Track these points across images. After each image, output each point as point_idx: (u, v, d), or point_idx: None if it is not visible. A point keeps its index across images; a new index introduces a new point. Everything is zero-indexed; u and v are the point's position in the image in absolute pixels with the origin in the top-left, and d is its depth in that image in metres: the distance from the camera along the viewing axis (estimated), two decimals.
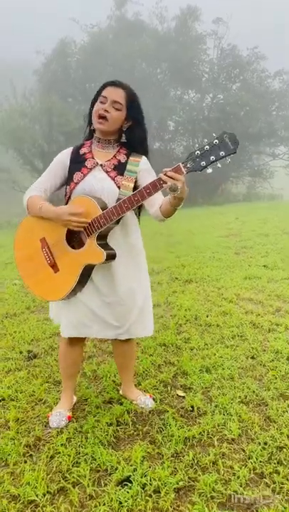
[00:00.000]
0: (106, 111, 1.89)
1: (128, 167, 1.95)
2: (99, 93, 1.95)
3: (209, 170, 1.68)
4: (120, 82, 1.96)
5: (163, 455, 1.89)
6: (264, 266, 5.21)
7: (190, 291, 4.35)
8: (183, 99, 19.92)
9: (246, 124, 17.17)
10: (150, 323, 2.17)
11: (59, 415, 2.17)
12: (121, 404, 2.30)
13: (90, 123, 2.03)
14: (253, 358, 2.81)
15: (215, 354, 2.85)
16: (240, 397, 2.32)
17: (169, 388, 2.47)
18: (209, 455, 1.87)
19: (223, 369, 2.64)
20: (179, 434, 2.00)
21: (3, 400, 2.43)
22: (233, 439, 1.98)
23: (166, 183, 1.68)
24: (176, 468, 1.80)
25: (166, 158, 19.60)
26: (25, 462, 1.90)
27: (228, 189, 22.24)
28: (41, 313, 3.98)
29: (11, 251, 8.36)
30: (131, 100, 1.95)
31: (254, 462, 1.82)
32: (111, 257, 1.88)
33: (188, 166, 1.67)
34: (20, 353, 3.07)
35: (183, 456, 1.88)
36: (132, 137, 2.03)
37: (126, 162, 1.97)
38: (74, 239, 1.96)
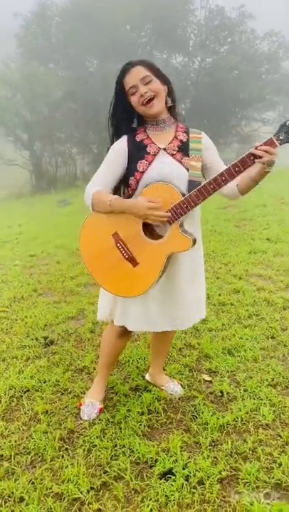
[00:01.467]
0: (146, 92, 1.74)
1: (191, 145, 1.83)
2: (121, 90, 1.81)
3: None
4: (129, 63, 1.79)
5: (201, 444, 1.89)
6: (267, 239, 5.18)
7: None
8: (169, 63, 19.31)
9: (236, 89, 16.79)
10: (204, 306, 2.13)
11: (91, 406, 2.15)
12: (149, 391, 2.29)
13: (119, 125, 1.89)
14: (273, 337, 2.81)
15: (234, 335, 2.84)
16: (267, 380, 2.33)
17: (194, 373, 2.46)
18: (247, 442, 1.88)
19: (246, 350, 2.64)
20: (214, 422, 2.00)
21: (28, 391, 2.40)
22: (267, 425, 1.99)
23: (258, 158, 1.59)
24: (216, 458, 1.81)
25: None
26: (63, 457, 1.88)
27: None
28: (49, 296, 3.93)
29: (5, 228, 8.17)
30: (152, 68, 1.79)
31: None
32: (194, 241, 1.75)
33: (281, 138, 1.57)
34: (36, 339, 3.03)
35: (221, 445, 1.88)
36: (173, 101, 1.87)
37: (188, 141, 1.84)
38: (145, 229, 1.82)
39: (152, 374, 2.39)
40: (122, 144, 1.85)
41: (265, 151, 1.57)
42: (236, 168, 1.61)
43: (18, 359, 2.76)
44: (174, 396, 2.24)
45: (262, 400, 2.16)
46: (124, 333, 2.07)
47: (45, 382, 2.47)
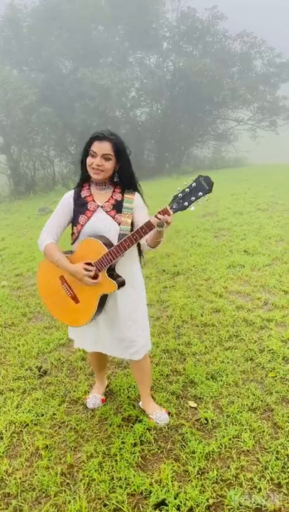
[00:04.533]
0: (98, 165, 2.15)
1: (124, 204, 2.23)
2: (88, 145, 2.18)
3: (192, 208, 1.97)
4: (104, 135, 2.16)
5: (189, 473, 2.11)
6: (245, 251, 5.43)
7: (180, 285, 4.54)
8: (143, 65, 19.38)
9: (210, 89, 16.97)
10: (132, 349, 2.42)
11: (94, 398, 2.73)
12: (140, 421, 2.49)
13: (83, 169, 2.28)
14: (251, 359, 3.05)
15: (216, 358, 3.07)
16: (247, 404, 2.56)
17: (181, 400, 2.68)
18: (230, 469, 2.10)
19: (227, 375, 2.86)
20: (200, 450, 2.22)
21: (27, 425, 2.58)
22: (248, 451, 2.22)
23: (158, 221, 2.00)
24: (203, 486, 2.03)
25: (129, 125, 19.34)
26: (65, 492, 2.07)
27: (193, 154, 22.27)
28: (39, 321, 4.09)
29: None
30: (117, 149, 2.19)
31: (271, 473, 2.06)
32: (121, 284, 2.17)
33: (173, 207, 1.99)
34: (30, 369, 3.19)
35: (207, 473, 2.10)
36: (123, 176, 2.28)
37: (122, 200, 2.25)
38: None
39: (143, 402, 2.61)
40: (69, 199, 2.29)
41: (159, 219, 1.98)
42: (143, 230, 2.03)
43: (15, 391, 2.93)
44: (160, 425, 2.45)
45: (243, 425, 2.39)
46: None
47: (42, 416, 2.64)
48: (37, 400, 2.81)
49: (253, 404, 2.57)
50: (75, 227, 2.26)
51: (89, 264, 2.13)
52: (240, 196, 8.94)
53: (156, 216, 1.99)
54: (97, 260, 2.11)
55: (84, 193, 2.28)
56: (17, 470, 2.24)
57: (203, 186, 1.93)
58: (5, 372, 3.19)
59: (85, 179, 2.31)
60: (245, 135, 20.73)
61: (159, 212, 1.99)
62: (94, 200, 2.25)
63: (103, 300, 2.24)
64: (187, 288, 4.46)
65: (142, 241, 2.21)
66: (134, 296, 2.34)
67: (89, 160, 2.18)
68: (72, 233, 2.29)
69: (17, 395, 2.89)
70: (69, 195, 2.30)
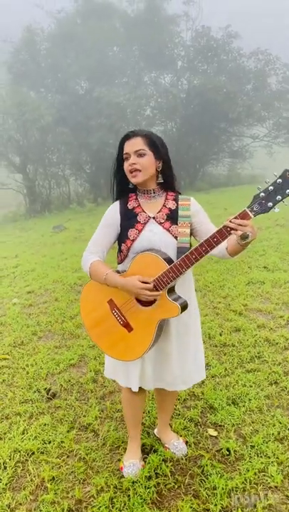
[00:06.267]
0: (133, 163, 1.85)
1: (180, 213, 1.91)
2: (121, 151, 1.90)
3: (276, 209, 1.63)
4: (134, 132, 1.90)
5: None
6: (264, 267, 5.21)
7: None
8: (158, 83, 19.55)
9: (225, 107, 16.98)
10: (203, 367, 2.15)
11: (133, 467, 2.15)
12: (155, 452, 2.27)
13: (118, 183, 1.99)
14: (276, 383, 2.81)
15: (237, 382, 2.84)
16: (273, 434, 2.32)
17: (200, 428, 2.45)
18: (257, 509, 1.87)
19: (250, 400, 2.63)
20: (222, 486, 1.99)
21: (33, 453, 2.38)
22: (276, 487, 1.99)
23: (234, 230, 1.64)
24: None
25: None
26: None
27: (208, 172, 22.21)
28: (49, 340, 3.91)
29: (1, 260, 8.13)
30: (151, 142, 1.88)
31: None
32: (185, 307, 1.83)
33: (254, 209, 1.63)
34: (38, 391, 3.00)
35: None
36: (165, 177, 1.97)
37: (176, 208, 1.92)
38: None
39: (159, 430, 2.39)
40: (114, 211, 1.96)
41: (239, 225, 1.62)
42: (215, 239, 1.68)
43: (22, 416, 2.74)
44: (177, 455, 2.23)
45: (269, 457, 2.16)
46: (138, 389, 2.08)
47: (50, 443, 2.45)
48: (44, 425, 2.61)
49: (279, 433, 2.33)
50: (123, 244, 1.91)
51: (146, 283, 1.79)
52: None
53: (231, 221, 1.63)
54: (156, 278, 1.76)
55: (131, 204, 1.95)
56: (20, 505, 2.04)
57: None
58: (12, 394, 3.01)
59: (124, 191, 2.00)
60: (261, 152, 20.62)
61: (236, 217, 1.63)
62: (144, 211, 1.92)
63: (161, 327, 1.88)
64: (204, 306, 4.25)
65: (222, 245, 1.77)
66: (185, 320, 1.99)
67: (124, 165, 1.89)
68: (120, 251, 1.95)
69: (23, 419, 2.70)
70: (114, 208, 1.97)
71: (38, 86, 19.14)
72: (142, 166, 1.85)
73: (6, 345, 3.84)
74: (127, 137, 1.89)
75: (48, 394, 2.96)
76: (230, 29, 18.32)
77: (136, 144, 1.86)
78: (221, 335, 3.55)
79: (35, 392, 3.01)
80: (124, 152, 1.88)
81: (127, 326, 1.90)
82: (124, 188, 2.00)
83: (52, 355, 3.57)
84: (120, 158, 1.92)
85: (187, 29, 19.19)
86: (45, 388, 3.03)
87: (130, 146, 1.86)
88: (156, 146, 1.88)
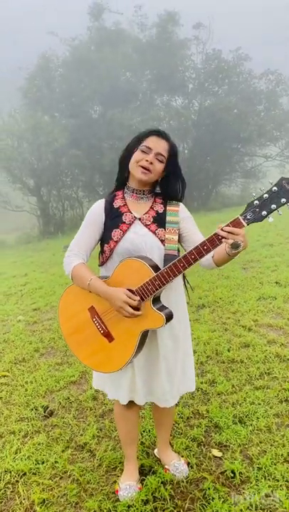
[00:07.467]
0: (151, 163, 1.76)
1: (168, 218, 1.82)
2: (140, 140, 1.80)
3: (270, 219, 1.53)
4: (165, 134, 1.82)
5: None
6: (276, 283, 5.03)
7: (205, 318, 4.16)
8: (170, 105, 19.79)
9: (236, 127, 17.04)
10: (191, 378, 2.01)
11: (129, 489, 1.99)
12: (154, 473, 2.10)
13: (122, 170, 1.89)
14: (286, 401, 2.62)
15: (245, 399, 2.66)
16: (282, 455, 2.14)
17: (203, 448, 2.27)
18: None
19: (258, 418, 2.45)
20: (226, 511, 1.81)
21: (25, 474, 2.23)
22: None
23: (225, 238, 1.53)
24: None
25: None
26: None
27: (221, 192, 22.16)
28: (51, 357, 3.78)
29: (11, 279, 8.10)
30: (173, 153, 1.83)
31: None
32: (170, 317, 1.71)
33: (248, 217, 1.53)
34: (36, 409, 2.86)
35: None
36: (167, 188, 1.89)
37: (164, 212, 1.84)
38: None
39: (159, 449, 2.21)
40: (98, 212, 1.86)
41: (230, 232, 1.52)
42: (205, 247, 1.59)
43: (16, 435, 2.59)
44: (178, 477, 2.05)
45: (278, 480, 1.97)
46: (130, 404, 1.94)
47: (43, 463, 2.29)
48: (39, 444, 2.46)
49: None
50: (106, 245, 1.82)
51: (130, 291, 1.68)
52: (270, 229, 8.58)
53: (222, 229, 1.54)
54: (140, 286, 1.66)
55: (117, 203, 1.85)
56: None
57: (288, 191, 1.49)
58: (8, 412, 2.87)
59: (121, 184, 1.92)
60: (274, 171, 20.53)
61: (228, 224, 1.54)
62: (130, 211, 1.83)
63: (144, 338, 1.75)
64: (213, 321, 4.08)
65: (208, 255, 1.66)
66: (176, 331, 1.88)
67: (138, 155, 1.77)
68: (102, 252, 1.86)
69: (17, 438, 2.55)
70: (98, 206, 1.87)
71: (52, 110, 19.53)
72: (154, 170, 1.78)
73: (7, 362, 3.72)
74: (157, 134, 1.80)
75: (45, 412, 2.82)
76: (241, 51, 18.55)
77: (162, 146, 1.79)
78: (229, 351, 3.38)
79: (32, 410, 2.87)
80: (147, 145, 1.77)
81: (107, 335, 1.77)
82: (122, 179, 1.91)
83: (52, 371, 3.43)
84: (133, 146, 1.82)
85: (198, 52, 19.48)
86: (43, 406, 2.89)
87: (157, 144, 1.78)
88: (173, 159, 1.82)
